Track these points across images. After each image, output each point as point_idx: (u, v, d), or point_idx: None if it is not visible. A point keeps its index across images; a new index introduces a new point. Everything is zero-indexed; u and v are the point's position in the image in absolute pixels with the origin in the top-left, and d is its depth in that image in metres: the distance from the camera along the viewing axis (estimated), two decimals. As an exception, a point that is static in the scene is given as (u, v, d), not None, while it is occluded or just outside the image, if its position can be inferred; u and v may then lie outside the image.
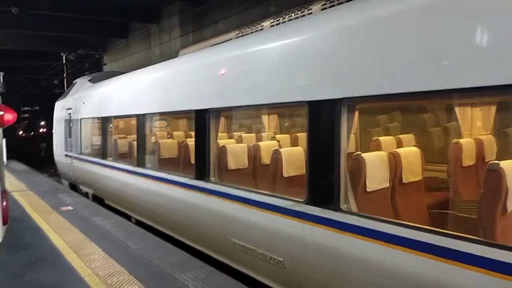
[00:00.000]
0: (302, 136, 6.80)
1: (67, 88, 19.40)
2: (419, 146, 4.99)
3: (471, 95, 4.35)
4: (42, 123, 40.00)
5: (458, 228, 3.26)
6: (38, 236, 6.29)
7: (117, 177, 8.93)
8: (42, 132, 39.64)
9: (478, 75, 2.84)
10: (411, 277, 3.21)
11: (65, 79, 31.05)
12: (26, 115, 45.19)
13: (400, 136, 6.11)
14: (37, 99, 40.28)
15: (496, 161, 3.23)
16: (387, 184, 4.24)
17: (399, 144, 5.84)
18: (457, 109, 5.57)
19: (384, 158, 4.27)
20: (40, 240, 6.11)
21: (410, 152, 4.62)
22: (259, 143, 6.83)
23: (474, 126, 5.57)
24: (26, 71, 30.53)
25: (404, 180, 4.40)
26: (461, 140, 5.08)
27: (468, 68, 2.90)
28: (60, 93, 20.18)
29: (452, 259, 2.92)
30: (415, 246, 3.15)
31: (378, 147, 5.49)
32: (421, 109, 6.68)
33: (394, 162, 4.32)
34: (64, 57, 26.22)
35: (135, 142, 8.38)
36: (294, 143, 7.13)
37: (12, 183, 12.04)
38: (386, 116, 7.36)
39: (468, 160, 5.03)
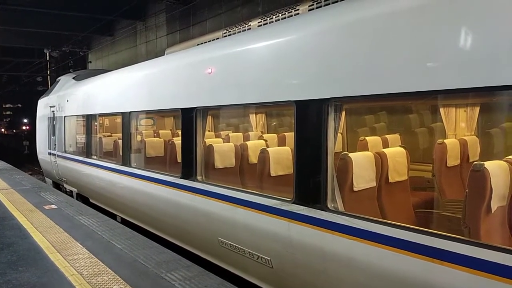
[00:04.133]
0: (290, 136, 6.83)
1: (50, 85, 19.10)
2: (405, 146, 5.05)
3: (456, 96, 4.43)
4: (25, 120, 39.33)
5: (443, 227, 3.31)
6: (21, 235, 6.17)
7: (102, 175, 8.82)
8: (25, 129, 38.97)
9: (462, 77, 2.89)
10: (398, 276, 3.24)
11: (48, 77, 30.60)
12: (8, 112, 44.37)
13: (386, 136, 6.17)
14: (20, 96, 39.60)
15: (481, 162, 3.29)
16: (373, 184, 4.28)
17: (385, 144, 5.90)
18: (441, 110, 5.66)
19: (371, 158, 4.30)
20: (22, 239, 5.99)
21: (396, 152, 4.67)
22: (247, 142, 6.83)
23: (458, 127, 5.67)
24: (8, 67, 29.95)
25: (390, 180, 4.45)
26: (445, 141, 5.16)
27: (453, 69, 2.95)
28: (43, 91, 19.88)
29: (438, 258, 2.96)
30: (401, 245, 3.19)
31: (364, 147, 5.54)
32: (406, 109, 6.76)
33: (381, 162, 4.36)
34: (47, 54, 25.81)
35: (120, 140, 8.30)
36: (282, 142, 7.15)
37: (-7, 181, 11.79)
38: (373, 116, 7.43)
39: (453, 160, 5.11)
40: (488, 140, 5.56)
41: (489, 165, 3.25)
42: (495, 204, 3.26)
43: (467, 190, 3.39)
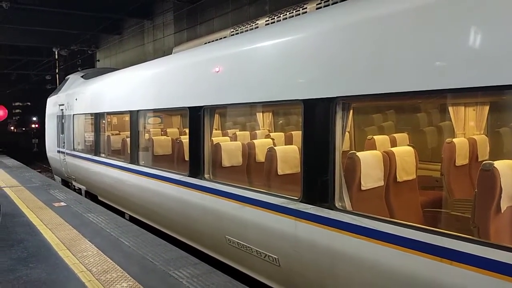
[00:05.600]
0: (297, 134, 6.82)
1: (59, 84, 19.25)
2: (413, 145, 5.02)
3: (463, 96, 4.39)
4: (34, 118, 39.63)
5: (452, 226, 3.29)
6: (31, 232, 6.25)
7: (111, 173, 8.89)
8: (34, 127, 39.29)
9: (470, 76, 2.87)
10: (406, 275, 3.24)
11: (57, 75, 30.84)
12: (17, 110, 44.75)
13: (394, 135, 6.14)
14: (29, 94, 39.94)
15: (490, 161, 3.27)
16: (381, 183, 4.26)
17: (393, 143, 5.87)
18: (450, 109, 5.62)
19: (379, 157, 4.29)
20: (32, 236, 6.06)
21: (404, 151, 4.65)
22: (254, 140, 6.83)
23: (467, 126, 5.62)
24: (17, 66, 30.23)
25: (398, 179, 4.43)
26: (454, 140, 5.12)
27: (460, 69, 2.93)
28: (52, 89, 20.05)
29: (447, 258, 2.95)
30: (409, 244, 3.18)
31: (372, 146, 5.52)
32: (415, 108, 6.72)
33: (389, 161, 4.34)
34: (56, 53, 25.99)
35: (128, 139, 8.35)
36: (289, 141, 7.15)
37: (3, 178, 11.93)
38: (381, 115, 7.39)
39: (461, 159, 5.08)
40: (498, 139, 5.51)
41: (498, 164, 3.23)
42: (505, 203, 3.23)
43: (476, 190, 3.37)
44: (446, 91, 3.10)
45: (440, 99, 5.13)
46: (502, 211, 3.22)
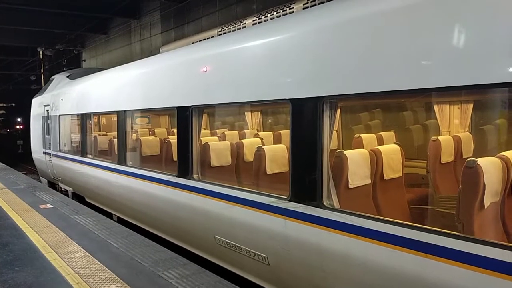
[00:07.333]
0: (285, 134, 6.85)
1: (44, 84, 18.99)
2: (399, 143, 5.08)
3: (449, 94, 4.47)
4: (19, 119, 39.04)
5: (438, 223, 3.34)
6: (16, 235, 6.15)
7: (98, 174, 8.81)
8: (19, 128, 38.72)
9: (455, 75, 2.92)
10: (393, 272, 3.28)
11: (42, 75, 30.42)
12: (1, 111, 43.99)
13: (381, 133, 6.21)
14: (13, 95, 39.28)
15: (474, 158, 3.33)
16: (368, 181, 4.31)
17: (380, 141, 5.94)
18: (435, 107, 5.70)
19: (366, 155, 4.34)
20: (18, 238, 5.97)
21: (390, 149, 4.71)
22: (242, 140, 6.84)
23: (452, 124, 5.72)
24: (1, 66, 29.71)
25: (385, 177, 4.49)
26: (439, 137, 5.20)
27: (446, 67, 2.98)
28: (37, 89, 19.78)
29: (433, 254, 3.00)
30: (396, 241, 3.22)
31: (359, 144, 5.57)
32: (401, 107, 6.80)
33: (375, 159, 4.39)
34: (41, 53, 25.62)
35: (115, 139, 8.29)
36: (277, 140, 7.17)
37: (-13, 181, 11.73)
38: (367, 113, 7.47)
39: (447, 156, 5.16)
40: (482, 136, 5.61)
41: (482, 161, 3.29)
42: (488, 200, 3.30)
43: (460, 187, 3.43)
44: (431, 90, 3.16)
45: (426, 97, 5.21)
46: (486, 207, 3.29)
